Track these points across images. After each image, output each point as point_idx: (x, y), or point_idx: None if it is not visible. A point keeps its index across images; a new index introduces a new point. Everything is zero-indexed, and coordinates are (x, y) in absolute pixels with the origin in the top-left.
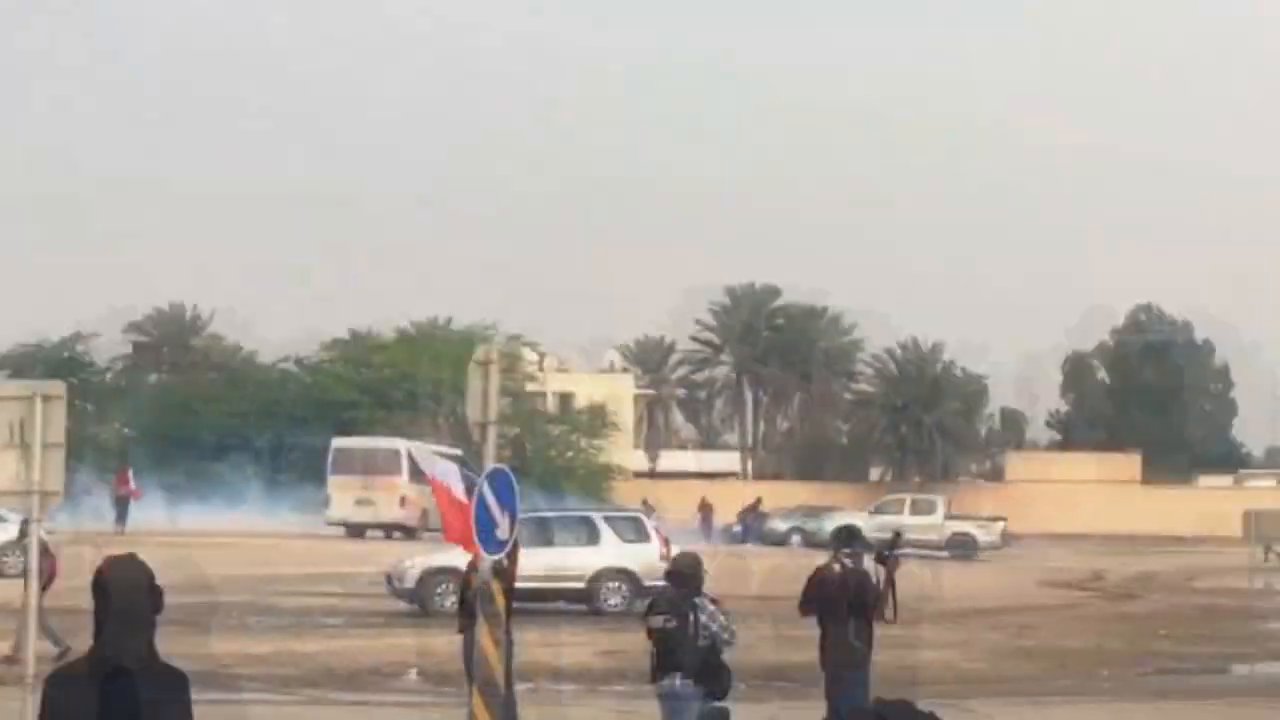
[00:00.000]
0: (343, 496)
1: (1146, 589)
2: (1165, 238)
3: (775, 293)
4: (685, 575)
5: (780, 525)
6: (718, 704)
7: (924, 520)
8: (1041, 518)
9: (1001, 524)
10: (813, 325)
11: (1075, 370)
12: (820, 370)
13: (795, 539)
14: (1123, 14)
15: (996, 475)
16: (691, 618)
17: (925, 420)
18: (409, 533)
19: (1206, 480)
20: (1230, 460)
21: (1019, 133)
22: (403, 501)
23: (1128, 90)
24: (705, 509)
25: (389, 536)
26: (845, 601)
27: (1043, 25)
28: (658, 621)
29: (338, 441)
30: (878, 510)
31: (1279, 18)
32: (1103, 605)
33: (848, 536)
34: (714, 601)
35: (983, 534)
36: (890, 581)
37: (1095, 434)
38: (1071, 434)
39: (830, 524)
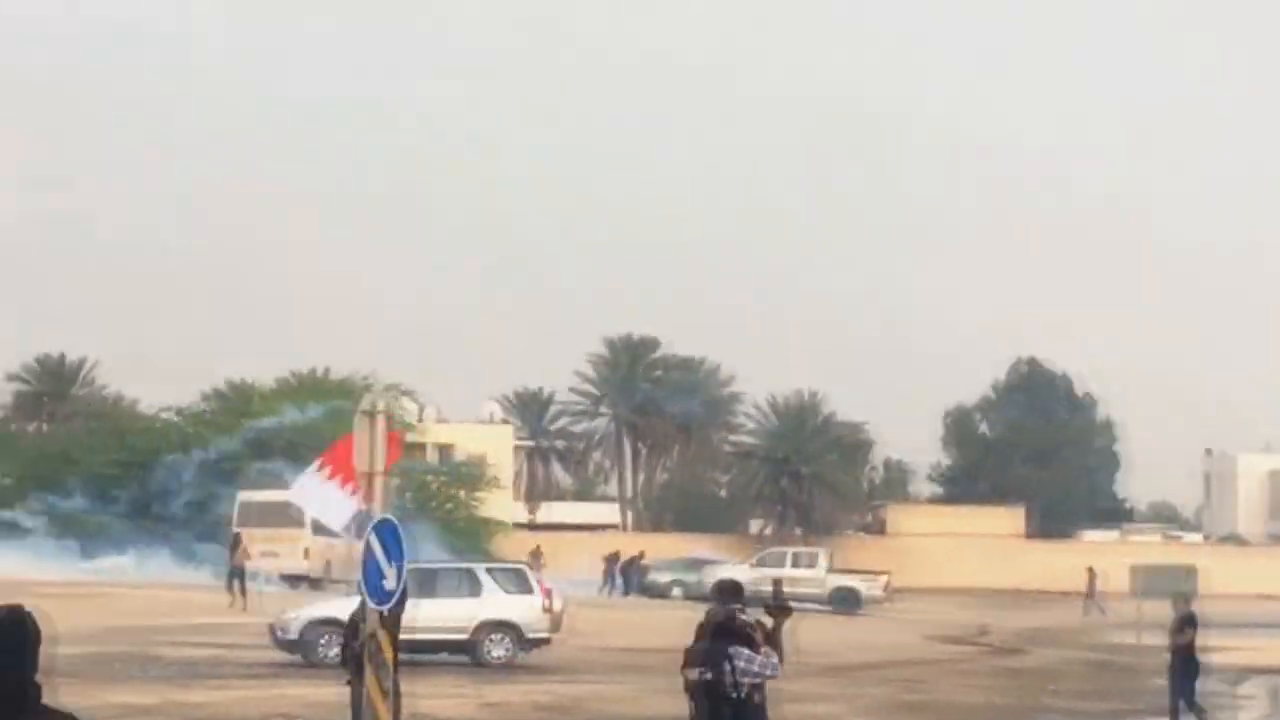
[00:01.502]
0: (248, 548)
1: (1034, 644)
2: (1048, 290)
3: (654, 344)
4: (721, 627)
5: (661, 577)
6: None
7: (806, 573)
8: (925, 571)
9: (885, 578)
10: (691, 377)
11: (958, 423)
12: (699, 422)
13: (676, 591)
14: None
15: (879, 528)
16: (728, 667)
17: (805, 472)
18: (314, 584)
19: (1091, 535)
20: (1114, 514)
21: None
22: (306, 553)
23: (1005, 140)
24: (612, 560)
25: (293, 588)
26: None
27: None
28: (694, 674)
29: (243, 495)
30: (760, 562)
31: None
32: (990, 660)
33: (733, 590)
34: (749, 640)
35: (866, 587)
36: (778, 634)
37: (978, 488)
38: (954, 487)
39: (712, 577)
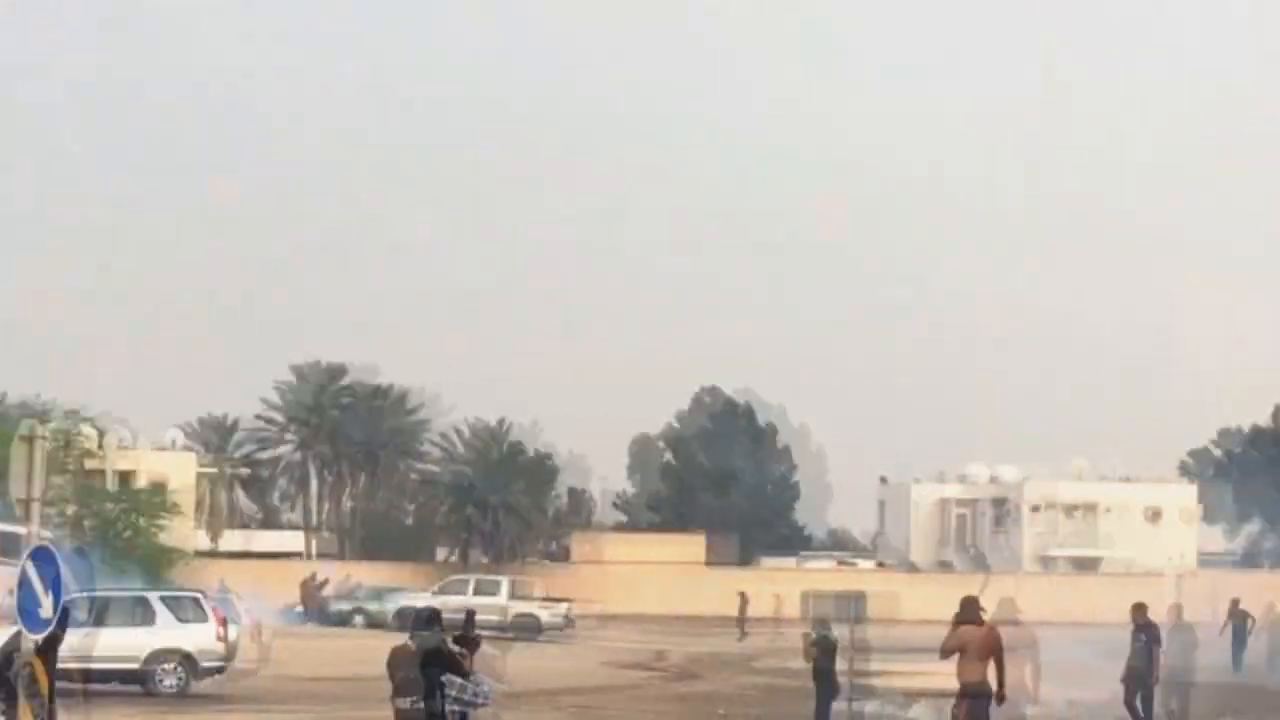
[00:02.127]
0: None
1: (708, 669)
2: (724, 322)
3: (341, 371)
4: (431, 655)
5: (343, 605)
6: None
7: (488, 601)
8: (607, 598)
9: (566, 605)
10: (378, 404)
11: (641, 452)
12: (385, 450)
13: (358, 619)
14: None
15: (563, 556)
16: (439, 695)
17: (491, 500)
18: None
19: (769, 561)
20: (792, 542)
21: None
22: None
23: (688, 172)
24: (314, 585)
25: None
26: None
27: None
28: (405, 703)
29: None
30: (442, 590)
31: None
32: (664, 685)
33: (432, 618)
34: (459, 666)
35: (547, 615)
36: (470, 661)
37: (661, 515)
38: (637, 515)
39: (393, 605)
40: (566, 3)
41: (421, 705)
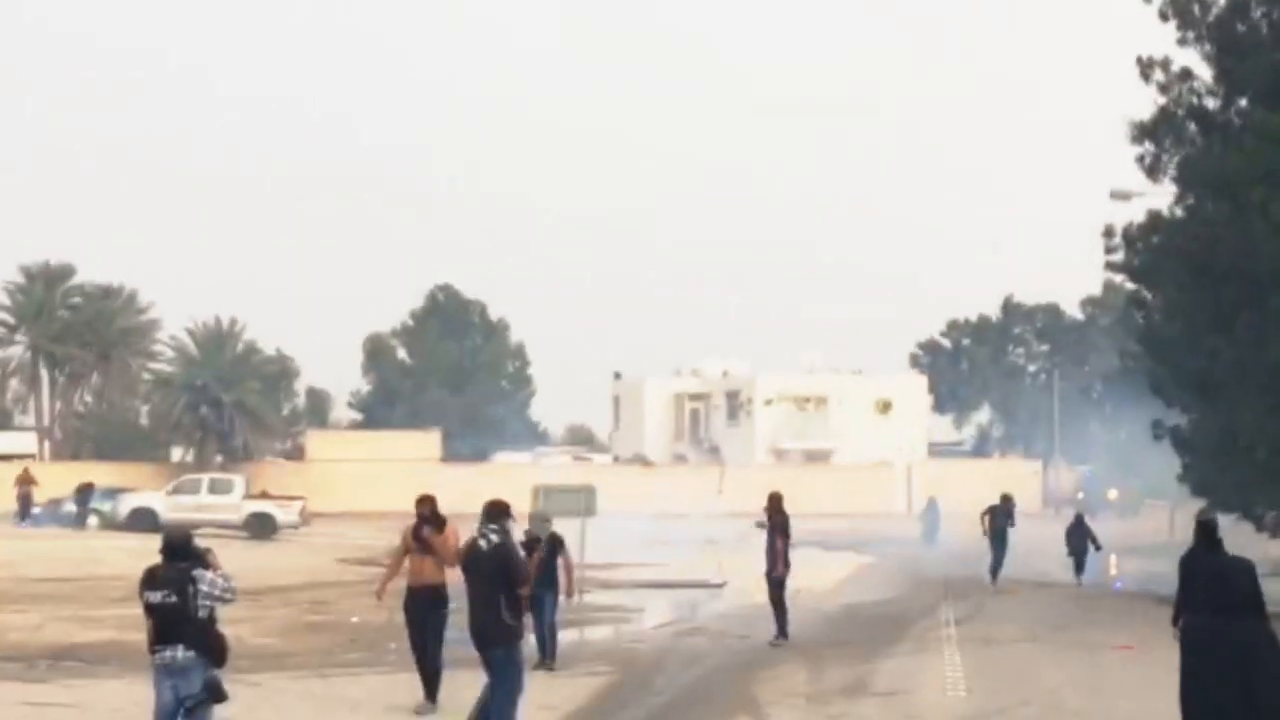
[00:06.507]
0: None
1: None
2: (456, 221)
3: (70, 271)
4: (178, 549)
5: (76, 506)
6: (217, 671)
7: (222, 500)
8: (343, 497)
9: (300, 503)
10: (109, 304)
11: (375, 350)
12: (118, 350)
13: (92, 520)
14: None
15: (299, 455)
16: (191, 589)
17: (226, 400)
18: None
19: (503, 457)
20: (530, 437)
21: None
22: None
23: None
24: (25, 482)
25: None
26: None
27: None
28: (156, 597)
29: None
30: (175, 490)
31: None
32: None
33: (497, 512)
34: (209, 565)
35: (282, 513)
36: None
37: (396, 413)
38: (373, 413)
39: (125, 505)
40: None
41: (174, 599)
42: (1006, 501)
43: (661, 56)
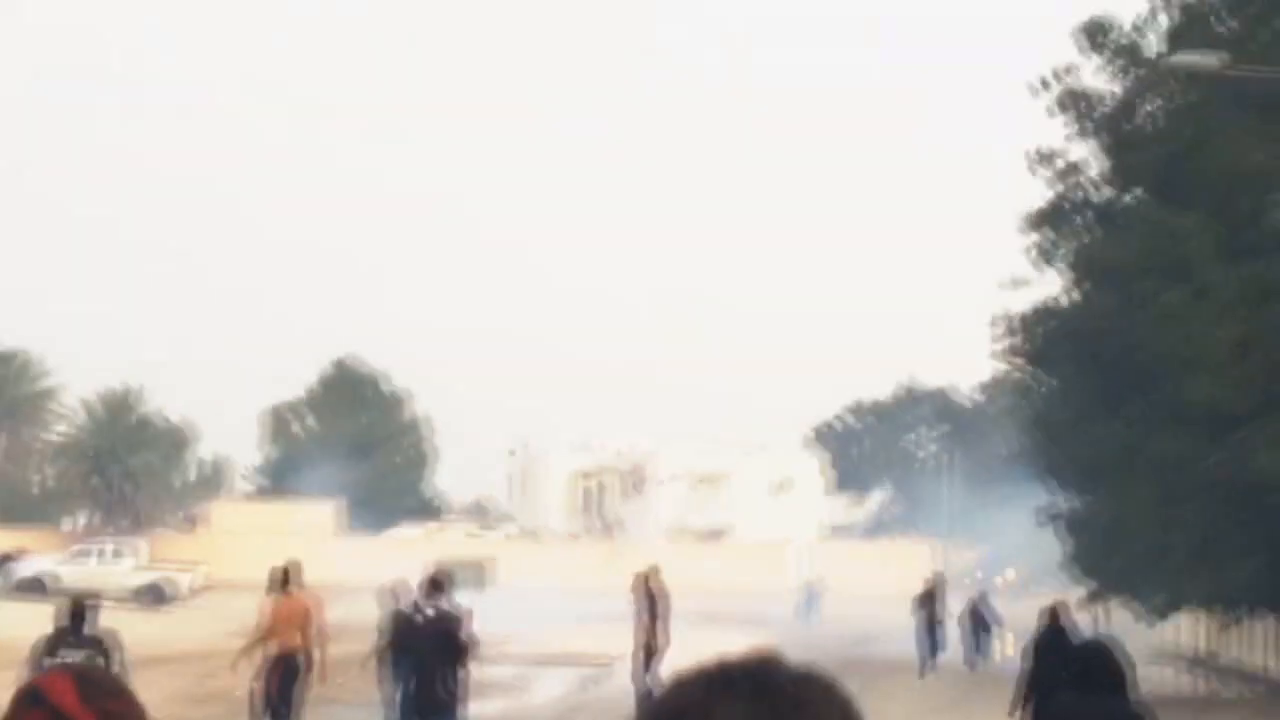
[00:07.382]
0: None
1: (334, 638)
2: (364, 288)
3: None
4: (82, 615)
5: None
6: None
7: (115, 568)
8: (243, 566)
9: (191, 574)
10: (3, 371)
11: (279, 419)
12: (12, 417)
13: None
14: None
15: (195, 524)
16: (118, 655)
17: (122, 467)
18: None
19: (397, 532)
20: (430, 508)
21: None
22: None
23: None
24: None
25: None
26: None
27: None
28: (77, 657)
29: None
30: (72, 559)
31: None
32: None
33: (435, 586)
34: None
35: (174, 582)
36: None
37: (295, 485)
38: (277, 482)
39: (21, 571)
40: None
41: (101, 660)
42: (939, 588)
43: (526, 125)
